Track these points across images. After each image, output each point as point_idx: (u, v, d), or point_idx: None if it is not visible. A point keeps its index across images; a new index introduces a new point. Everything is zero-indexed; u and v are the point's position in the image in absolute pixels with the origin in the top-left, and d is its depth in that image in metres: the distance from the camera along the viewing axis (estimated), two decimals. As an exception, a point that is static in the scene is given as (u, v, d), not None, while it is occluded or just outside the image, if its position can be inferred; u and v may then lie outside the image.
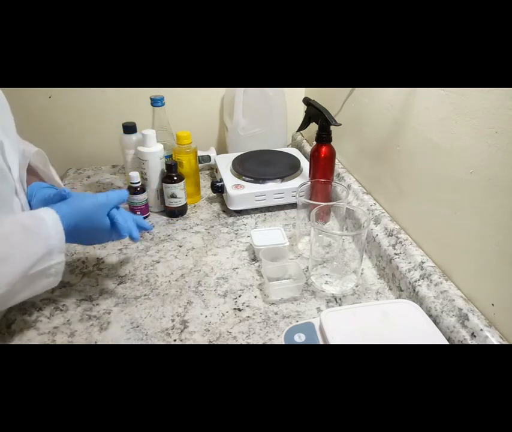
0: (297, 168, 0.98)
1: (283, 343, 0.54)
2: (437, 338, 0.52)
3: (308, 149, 1.10)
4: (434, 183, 0.63)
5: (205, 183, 1.04)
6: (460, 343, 0.52)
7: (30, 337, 0.60)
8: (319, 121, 0.83)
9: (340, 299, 0.68)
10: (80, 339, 0.60)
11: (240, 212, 0.93)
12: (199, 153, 1.06)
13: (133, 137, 0.92)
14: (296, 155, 1.06)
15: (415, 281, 0.62)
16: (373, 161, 0.83)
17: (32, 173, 0.70)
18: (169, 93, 0.92)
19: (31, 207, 0.64)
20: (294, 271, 0.71)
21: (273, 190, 0.91)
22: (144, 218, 0.89)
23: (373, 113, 0.81)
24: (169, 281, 0.72)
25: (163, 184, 0.88)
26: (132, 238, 0.65)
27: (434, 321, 0.55)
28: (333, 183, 0.84)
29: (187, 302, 0.67)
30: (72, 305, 0.66)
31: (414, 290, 0.62)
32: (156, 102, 0.90)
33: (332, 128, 0.81)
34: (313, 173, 0.85)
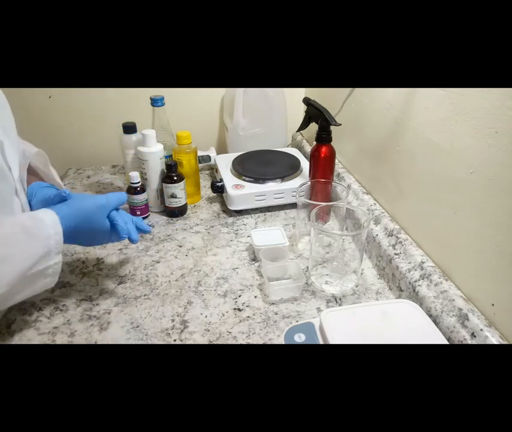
0: (297, 168, 0.98)
1: (283, 343, 0.54)
2: (437, 338, 0.52)
3: (308, 149, 1.10)
4: (434, 183, 0.63)
5: (205, 183, 1.04)
6: (460, 343, 0.52)
7: (30, 337, 0.60)
8: (319, 121, 0.83)
9: (340, 299, 0.68)
10: (80, 339, 0.60)
11: (240, 212, 0.93)
12: (199, 153, 1.06)
13: (133, 137, 0.92)
14: (296, 155, 1.06)
15: (415, 281, 0.62)
16: (373, 161, 0.83)
17: (32, 173, 0.70)
18: (169, 93, 0.92)
19: (31, 207, 0.64)
20: (294, 271, 0.71)
21: (273, 190, 0.91)
22: (144, 218, 0.89)
23: (373, 113, 0.81)
24: (169, 281, 0.72)
25: (163, 184, 0.88)
26: (131, 240, 0.65)
27: (434, 321, 0.55)
28: (333, 183, 0.84)
29: (187, 302, 0.67)
30: (72, 305, 0.66)
31: (414, 290, 0.62)
32: (156, 102, 0.90)
33: (332, 128, 0.81)
34: (313, 173, 0.85)
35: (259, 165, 0.99)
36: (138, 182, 0.87)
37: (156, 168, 0.88)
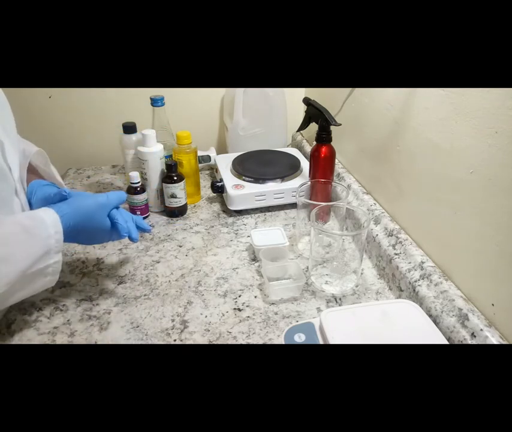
0: (297, 168, 0.98)
1: (283, 343, 0.54)
2: (437, 338, 0.52)
3: (308, 149, 1.10)
4: (434, 183, 0.63)
5: (205, 183, 1.04)
6: (460, 343, 0.52)
7: (30, 337, 0.60)
8: (319, 121, 0.83)
9: (340, 299, 0.68)
10: (80, 339, 0.60)
11: (240, 212, 0.93)
12: (199, 153, 1.06)
13: (133, 137, 0.92)
14: (296, 155, 1.06)
15: (415, 281, 0.62)
16: (373, 161, 0.83)
17: (32, 171, 0.70)
18: (169, 93, 0.92)
19: (31, 205, 0.64)
20: (294, 271, 0.71)
21: (273, 190, 0.91)
22: (144, 218, 0.89)
23: (373, 113, 0.81)
24: (169, 281, 0.72)
25: (163, 184, 0.88)
26: (132, 239, 0.65)
27: (434, 321, 0.55)
28: (333, 183, 0.84)
29: (187, 302, 0.67)
30: (72, 305, 0.66)
31: (414, 290, 0.62)
32: (156, 102, 0.90)
33: (332, 128, 0.81)
34: (313, 173, 0.85)
35: (259, 165, 0.99)
36: (138, 182, 0.87)
37: (156, 168, 0.88)
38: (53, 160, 0.73)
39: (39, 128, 1.11)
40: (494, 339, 0.49)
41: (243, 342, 0.59)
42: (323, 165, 0.83)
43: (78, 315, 0.64)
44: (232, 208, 0.91)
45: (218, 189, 0.94)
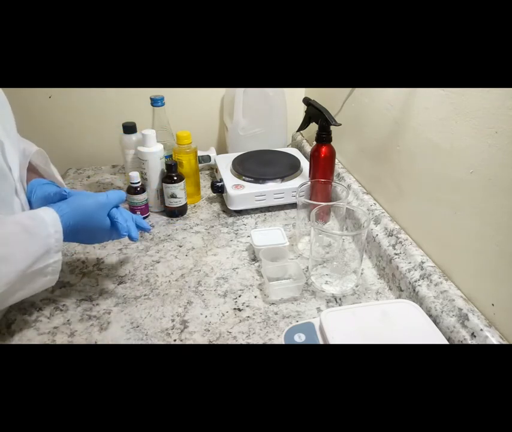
0: (297, 168, 0.98)
1: (283, 343, 0.54)
2: (437, 338, 0.52)
3: (308, 149, 1.10)
4: (434, 183, 0.63)
5: (205, 183, 1.04)
6: (460, 343, 0.52)
7: (30, 337, 0.60)
8: (319, 121, 0.83)
9: (340, 299, 0.68)
10: (80, 339, 0.60)
11: (240, 212, 0.93)
12: (199, 153, 1.06)
13: (133, 137, 0.92)
14: (296, 155, 1.06)
15: (415, 281, 0.62)
16: (373, 161, 0.83)
17: (32, 171, 0.70)
18: (169, 93, 0.92)
19: (30, 204, 0.64)
20: (294, 271, 0.71)
21: (273, 190, 0.91)
22: (144, 218, 0.89)
23: (373, 113, 0.81)
24: (169, 281, 0.72)
25: (163, 184, 0.88)
26: (131, 238, 0.65)
27: (434, 321, 0.55)
28: (333, 183, 0.84)
29: (187, 302, 0.67)
30: (72, 305, 0.66)
31: (414, 290, 0.62)
32: (156, 102, 0.90)
33: (332, 128, 0.81)
34: (313, 173, 0.85)
35: (259, 165, 0.99)
36: (138, 182, 0.87)
37: (156, 168, 0.88)
38: (53, 160, 0.73)
39: (39, 128, 1.11)
40: (494, 339, 0.49)
41: (243, 342, 0.59)
42: (323, 165, 0.83)
43: (78, 315, 0.64)
44: (232, 208, 0.91)
45: (218, 189, 0.94)
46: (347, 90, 0.90)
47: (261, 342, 0.59)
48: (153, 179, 0.89)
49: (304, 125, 0.93)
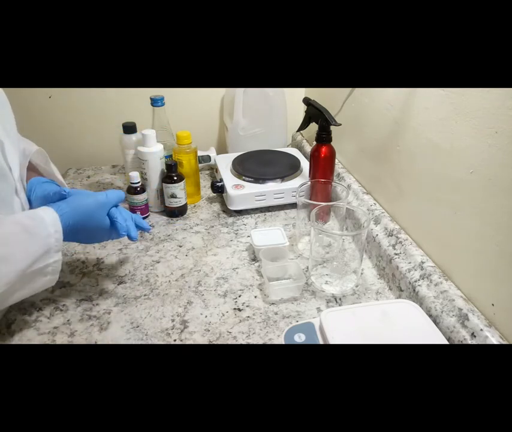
0: (297, 168, 0.98)
1: (283, 343, 0.54)
2: (437, 338, 0.52)
3: (308, 149, 1.10)
4: (434, 183, 0.63)
5: (205, 183, 1.04)
6: (460, 343, 0.52)
7: (30, 337, 0.60)
8: (319, 121, 0.83)
9: (340, 299, 0.68)
10: (80, 339, 0.60)
11: (240, 212, 0.93)
12: (199, 153, 1.06)
13: (133, 137, 0.92)
14: (296, 155, 1.06)
15: (415, 281, 0.62)
16: (373, 161, 0.83)
17: (32, 170, 0.70)
18: (169, 93, 0.92)
19: (30, 203, 0.64)
20: (294, 271, 0.71)
21: (273, 190, 0.91)
22: (144, 218, 0.89)
23: (373, 113, 0.81)
24: (169, 281, 0.72)
25: (163, 184, 0.88)
26: (130, 237, 0.65)
27: (434, 321, 0.55)
28: (333, 183, 0.84)
29: (187, 302, 0.67)
30: (72, 305, 0.66)
31: (414, 290, 0.62)
32: (156, 102, 0.90)
33: (332, 128, 0.81)
34: (313, 173, 0.85)
35: (259, 165, 0.99)
36: (138, 182, 0.87)
37: (156, 168, 0.88)
38: (53, 160, 0.74)
39: (39, 128, 1.11)
40: (494, 339, 0.49)
41: (243, 342, 0.59)
42: (323, 165, 0.83)
43: (78, 315, 0.64)
44: (232, 208, 0.91)
45: (218, 189, 0.94)
46: (347, 90, 0.90)
47: (261, 342, 0.59)
48: (153, 179, 0.89)
49: (304, 125, 0.93)
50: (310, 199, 0.80)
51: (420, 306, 0.57)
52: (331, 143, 0.82)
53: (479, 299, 0.54)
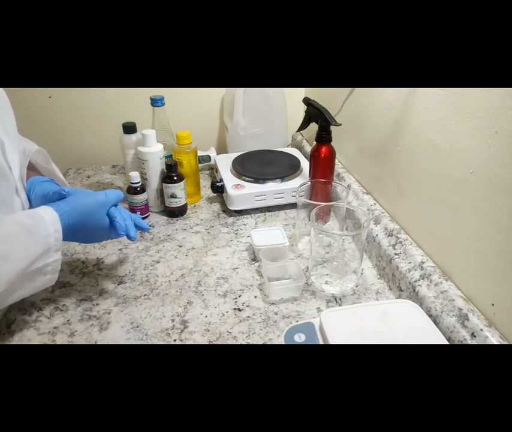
0: (297, 168, 0.98)
1: (283, 343, 0.54)
2: (437, 338, 0.52)
3: (308, 149, 1.10)
4: (434, 183, 0.63)
5: (205, 183, 1.04)
6: (460, 343, 0.52)
7: (30, 337, 0.60)
8: (319, 121, 0.83)
9: (340, 299, 0.68)
10: (80, 339, 0.60)
11: (240, 212, 0.93)
12: (199, 153, 1.06)
13: (133, 137, 0.92)
14: (296, 155, 1.06)
15: (415, 281, 0.62)
16: (373, 161, 0.83)
17: (32, 169, 0.70)
18: (169, 93, 0.92)
19: (30, 202, 0.64)
20: (294, 271, 0.71)
21: (273, 190, 0.91)
22: (144, 218, 0.89)
23: (373, 113, 0.81)
24: (169, 281, 0.72)
25: (163, 184, 0.88)
26: (129, 237, 0.65)
27: (434, 321, 0.55)
28: (333, 183, 0.84)
29: (187, 302, 0.67)
30: (72, 305, 0.66)
31: (414, 290, 0.62)
32: (156, 102, 0.90)
33: (332, 128, 0.81)
34: (313, 173, 0.85)
35: (259, 165, 0.99)
36: (138, 182, 0.87)
37: (156, 168, 0.88)
38: (53, 160, 0.73)
39: (39, 128, 1.10)
40: (494, 339, 0.49)
41: (243, 342, 0.59)
42: (323, 165, 0.83)
43: (78, 315, 0.64)
44: (232, 208, 0.91)
45: (218, 189, 0.94)
46: (347, 90, 0.90)
47: (261, 342, 0.59)
48: (153, 179, 0.89)
49: (304, 125, 0.93)
50: (310, 199, 0.80)
51: (420, 306, 0.57)
52: (331, 143, 0.82)
53: (479, 299, 0.54)
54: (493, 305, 0.52)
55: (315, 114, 0.85)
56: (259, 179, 0.93)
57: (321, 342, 0.53)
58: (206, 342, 0.59)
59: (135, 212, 0.87)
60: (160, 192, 0.90)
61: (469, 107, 0.54)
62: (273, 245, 0.74)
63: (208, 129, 1.22)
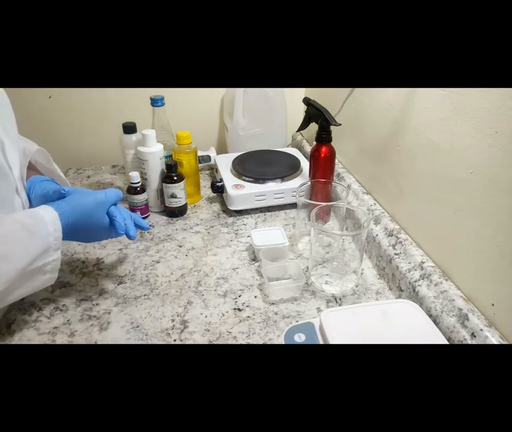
0: (297, 168, 0.98)
1: (283, 343, 0.54)
2: (437, 338, 0.52)
3: (308, 149, 1.10)
4: (434, 183, 0.63)
5: (205, 183, 1.04)
6: (460, 343, 0.52)
7: (30, 337, 0.60)
8: (319, 121, 0.83)
9: (340, 299, 0.68)
10: (80, 339, 0.60)
11: (240, 212, 0.93)
12: (199, 153, 1.06)
13: (133, 137, 0.92)
14: (296, 155, 1.06)
15: (415, 281, 0.62)
16: (373, 161, 0.83)
17: (32, 169, 0.70)
18: (169, 93, 0.92)
19: (30, 201, 0.64)
20: (294, 271, 0.71)
21: (273, 190, 0.91)
22: (144, 218, 0.89)
23: (373, 113, 0.81)
24: (169, 281, 0.72)
25: (163, 184, 0.88)
26: (129, 236, 0.65)
27: (434, 321, 0.55)
28: (333, 183, 0.84)
29: (187, 302, 0.67)
30: (72, 305, 0.66)
31: (414, 290, 0.62)
32: (156, 102, 0.90)
33: (332, 128, 0.81)
34: (313, 173, 0.85)
35: (259, 165, 0.99)
36: (138, 182, 0.87)
37: (156, 168, 0.88)
38: (53, 160, 0.73)
39: (39, 128, 1.10)
40: (494, 339, 0.49)
41: (243, 342, 0.59)
42: (323, 165, 0.83)
43: (78, 315, 0.64)
44: (232, 208, 0.91)
45: (218, 189, 0.94)
46: (347, 90, 0.90)
47: (261, 342, 0.59)
48: (153, 179, 0.89)
49: (304, 125, 0.93)
50: (310, 199, 0.80)
51: (420, 306, 0.57)
52: (331, 143, 0.82)
53: (479, 299, 0.54)
54: (493, 305, 0.52)
55: (315, 114, 0.85)
56: (259, 179, 0.93)
57: (321, 342, 0.53)
58: (206, 342, 0.59)
59: (135, 212, 0.87)
60: (160, 192, 0.90)
61: (469, 107, 0.54)
62: (273, 245, 0.74)
63: (208, 129, 1.22)
